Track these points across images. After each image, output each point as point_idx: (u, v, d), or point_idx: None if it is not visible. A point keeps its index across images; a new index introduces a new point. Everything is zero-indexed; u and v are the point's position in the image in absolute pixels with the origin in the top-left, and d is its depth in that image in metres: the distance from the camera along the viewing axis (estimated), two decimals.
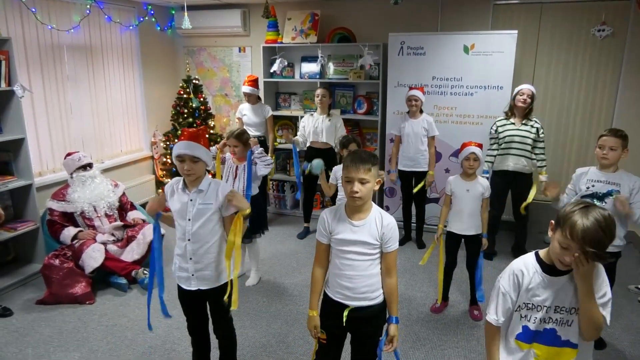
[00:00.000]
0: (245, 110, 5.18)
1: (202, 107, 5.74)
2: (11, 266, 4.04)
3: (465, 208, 3.31)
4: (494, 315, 1.76)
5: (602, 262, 1.52)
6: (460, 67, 4.65)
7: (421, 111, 4.45)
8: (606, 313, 1.58)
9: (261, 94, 5.58)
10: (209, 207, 2.31)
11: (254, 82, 5.06)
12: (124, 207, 4.31)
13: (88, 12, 4.66)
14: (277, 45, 5.46)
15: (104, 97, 5.22)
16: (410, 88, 4.43)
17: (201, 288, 2.40)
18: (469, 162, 3.25)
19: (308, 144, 4.83)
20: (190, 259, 2.35)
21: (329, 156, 4.62)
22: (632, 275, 4.08)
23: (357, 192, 1.91)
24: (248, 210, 2.30)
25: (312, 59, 5.41)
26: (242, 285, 3.88)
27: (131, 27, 5.39)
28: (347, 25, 5.31)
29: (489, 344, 1.79)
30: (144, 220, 4.26)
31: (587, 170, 2.95)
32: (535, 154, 4.16)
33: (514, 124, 4.15)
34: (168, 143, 5.67)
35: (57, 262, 3.61)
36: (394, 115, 4.90)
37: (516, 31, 4.44)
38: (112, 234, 4.03)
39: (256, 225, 3.85)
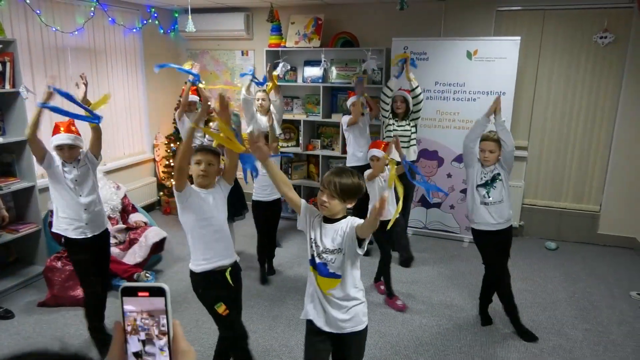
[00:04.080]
0: None
1: None
2: (12, 268, 4.03)
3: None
4: None
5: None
6: (463, 72, 4.66)
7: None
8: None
9: None
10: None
11: None
12: (125, 209, 4.30)
13: (92, 14, 4.66)
14: (280, 49, 5.47)
15: None
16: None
17: None
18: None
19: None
20: None
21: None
22: (634, 281, 4.09)
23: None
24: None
25: (315, 63, 5.42)
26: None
27: (135, 30, 5.39)
28: (351, 29, 5.32)
29: None
30: (145, 223, 4.26)
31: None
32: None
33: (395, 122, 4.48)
34: (171, 145, 5.66)
35: (59, 264, 3.60)
36: None
37: (519, 37, 4.46)
38: (115, 237, 4.03)
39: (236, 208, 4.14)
